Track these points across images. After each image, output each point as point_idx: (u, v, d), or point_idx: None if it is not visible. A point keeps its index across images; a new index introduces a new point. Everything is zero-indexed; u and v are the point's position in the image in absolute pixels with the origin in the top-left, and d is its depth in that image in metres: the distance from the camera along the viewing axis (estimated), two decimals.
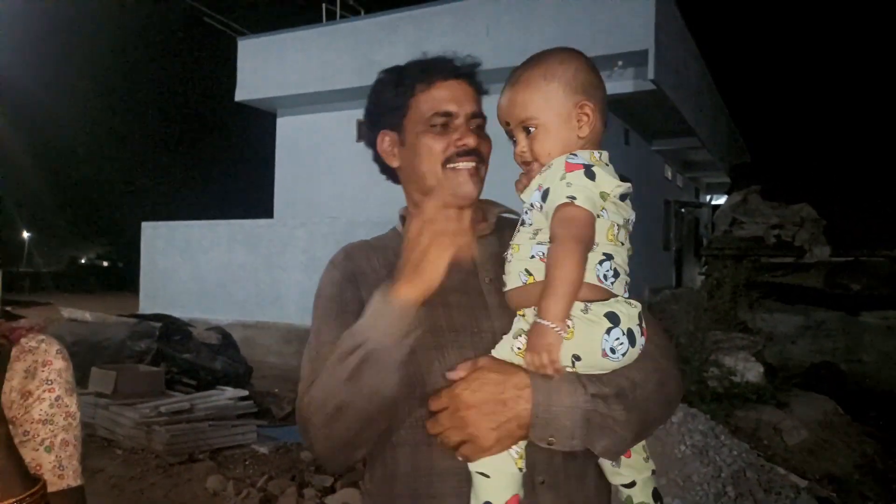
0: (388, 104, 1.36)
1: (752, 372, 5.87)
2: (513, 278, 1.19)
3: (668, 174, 15.64)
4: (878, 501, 4.56)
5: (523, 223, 1.23)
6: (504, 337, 1.19)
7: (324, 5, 12.80)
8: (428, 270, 1.13)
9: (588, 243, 1.12)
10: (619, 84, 9.60)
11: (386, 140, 1.38)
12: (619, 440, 1.11)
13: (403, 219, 1.39)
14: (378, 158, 1.43)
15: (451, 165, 1.30)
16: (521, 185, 1.26)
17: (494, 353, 1.17)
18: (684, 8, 11.07)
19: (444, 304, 1.24)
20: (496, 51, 8.98)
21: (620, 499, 1.22)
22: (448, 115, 1.31)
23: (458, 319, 1.24)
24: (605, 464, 1.19)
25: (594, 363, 1.12)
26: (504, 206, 1.45)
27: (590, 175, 1.16)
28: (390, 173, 1.43)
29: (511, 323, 1.21)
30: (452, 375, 1.15)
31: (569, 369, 1.12)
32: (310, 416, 1.14)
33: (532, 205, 1.20)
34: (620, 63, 9.35)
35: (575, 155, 1.19)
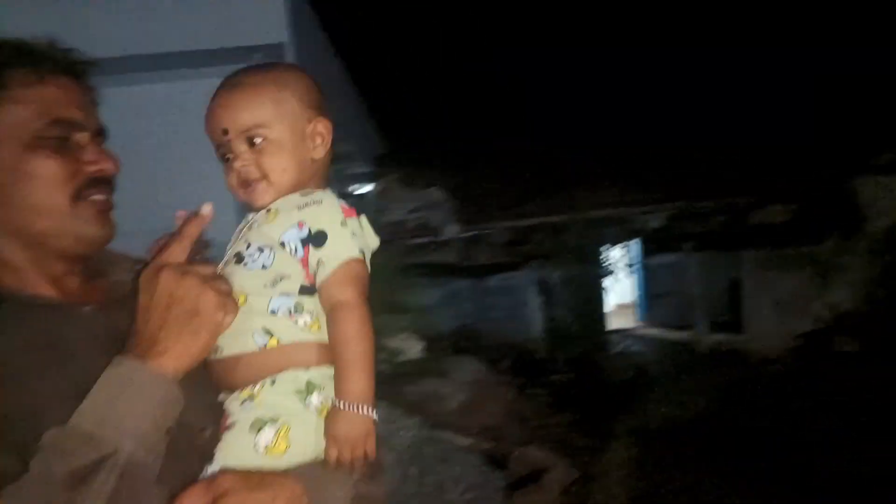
0: None
1: (413, 349, 6.34)
2: (237, 339, 0.92)
3: None
4: (523, 440, 5.35)
5: (240, 261, 0.96)
6: (228, 436, 0.90)
7: None
8: (200, 323, 0.84)
9: None
10: None
11: None
12: None
13: None
14: None
15: (94, 197, 0.95)
16: (267, 198, 0.99)
17: (224, 458, 0.88)
18: (316, 3, 11.28)
19: None
20: (108, 37, 7.96)
21: None
22: (71, 125, 0.94)
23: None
24: None
25: None
26: (124, 254, 1.07)
27: (360, 225, 1.00)
28: None
29: (205, 410, 0.93)
30: None
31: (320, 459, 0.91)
32: None
33: (283, 244, 0.94)
34: (259, 56, 9.13)
35: (339, 198, 1.00)
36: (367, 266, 0.98)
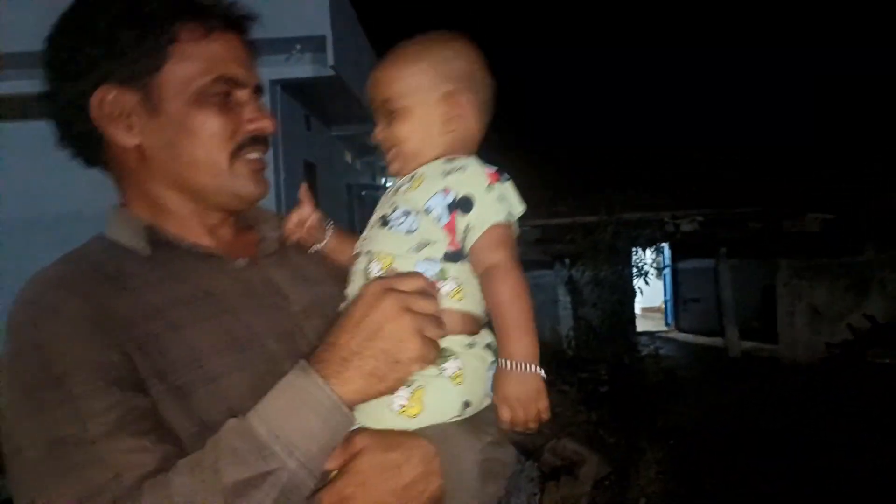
0: (122, 47, 0.89)
1: None
2: None
3: (349, 158, 16.12)
4: (555, 434, 5.36)
5: (385, 223, 0.97)
6: None
7: None
8: (393, 369, 0.82)
9: None
10: (300, 69, 9.52)
11: (111, 100, 0.91)
12: (503, 483, 0.94)
13: (149, 229, 0.94)
14: (74, 128, 0.93)
15: (250, 156, 0.97)
16: (395, 167, 1.04)
17: (362, 417, 0.88)
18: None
19: (270, 360, 0.88)
20: None
21: None
22: (234, 82, 0.94)
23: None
24: None
25: (480, 406, 0.95)
26: (268, 210, 1.10)
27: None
28: (93, 151, 0.95)
29: None
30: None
31: (455, 418, 0.92)
32: None
33: (428, 210, 0.95)
34: (299, 47, 9.27)
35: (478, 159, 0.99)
36: (514, 230, 0.97)
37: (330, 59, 8.93)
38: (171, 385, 0.82)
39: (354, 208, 17.01)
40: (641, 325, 11.52)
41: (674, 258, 11.88)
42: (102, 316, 0.83)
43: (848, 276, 8.45)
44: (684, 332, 12.10)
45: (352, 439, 0.86)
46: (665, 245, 11.40)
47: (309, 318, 0.97)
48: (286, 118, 10.05)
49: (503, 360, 0.91)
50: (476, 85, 1.05)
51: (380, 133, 1.05)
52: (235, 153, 0.95)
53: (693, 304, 11.92)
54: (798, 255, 8.96)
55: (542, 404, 0.90)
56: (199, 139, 0.93)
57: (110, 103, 0.91)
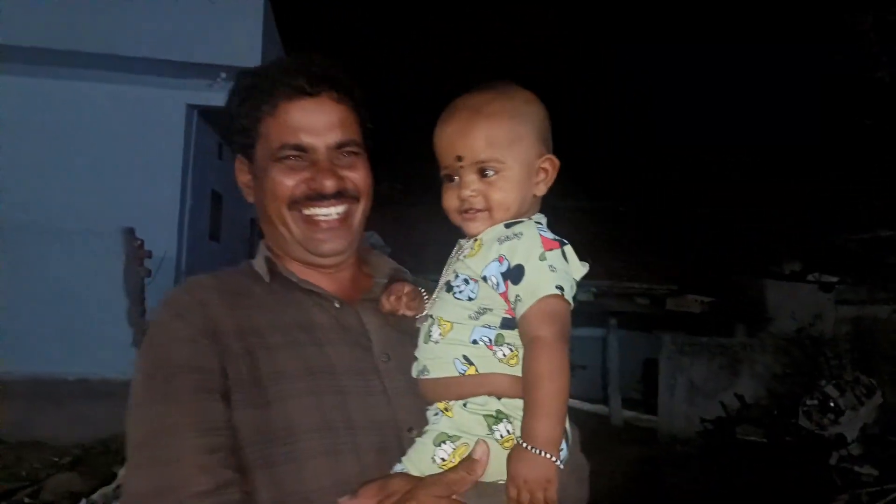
0: (237, 124, 1.09)
1: None
2: (441, 364, 0.95)
3: None
4: None
5: (450, 289, 0.98)
6: (418, 441, 0.94)
7: None
8: None
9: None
10: (221, 96, 9.30)
11: (240, 168, 1.13)
12: None
13: (269, 260, 1.10)
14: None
15: (307, 212, 1.05)
16: (477, 227, 1.00)
17: (408, 461, 0.91)
18: (283, 32, 11.40)
19: (338, 391, 0.98)
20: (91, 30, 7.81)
21: None
22: (300, 148, 1.05)
23: (355, 413, 0.96)
24: None
25: None
26: (391, 259, 1.19)
27: (564, 257, 0.95)
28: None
29: (416, 413, 0.97)
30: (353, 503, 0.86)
31: (499, 481, 0.90)
32: None
33: (486, 277, 0.94)
34: (224, 75, 9.09)
35: (541, 225, 0.99)
36: (568, 301, 0.94)
37: None
38: (255, 394, 0.96)
39: (256, 243, 16.56)
40: None
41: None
42: (215, 327, 0.99)
43: (723, 356, 9.13)
44: (570, 397, 12.51)
45: (388, 481, 0.89)
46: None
47: (386, 361, 1.05)
48: (199, 145, 9.74)
49: (520, 438, 0.89)
50: (551, 147, 1.04)
51: (471, 193, 0.99)
52: (293, 206, 1.07)
53: (580, 371, 12.40)
54: (680, 332, 9.61)
55: (551, 493, 0.87)
56: (269, 196, 1.08)
57: (240, 169, 1.14)
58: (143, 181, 8.76)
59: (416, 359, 1.01)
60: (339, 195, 1.06)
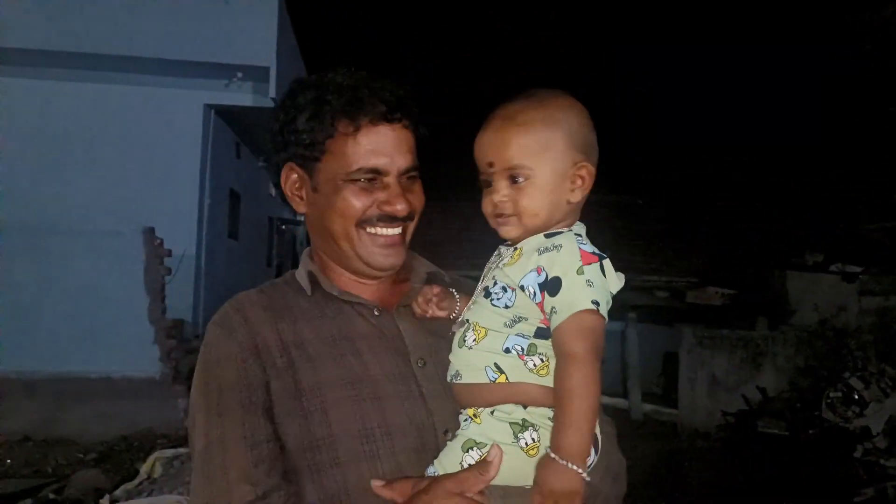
0: (300, 135, 1.10)
1: None
2: (473, 370, 0.97)
3: (272, 191, 15.88)
4: None
5: (488, 295, 0.99)
6: (449, 444, 0.98)
7: None
8: None
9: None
10: (239, 96, 9.40)
11: (293, 177, 1.15)
12: None
13: (311, 274, 1.16)
14: (280, 190, 1.18)
15: (372, 230, 1.10)
16: (512, 232, 1.02)
17: (438, 464, 0.96)
18: (298, 31, 11.44)
19: (376, 398, 1.03)
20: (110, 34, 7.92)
21: None
22: (374, 171, 1.09)
23: (393, 417, 1.02)
24: None
25: None
26: (428, 262, 1.24)
27: (602, 271, 0.95)
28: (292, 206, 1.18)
29: (453, 416, 1.01)
30: (388, 493, 0.94)
31: (527, 487, 0.93)
32: None
33: (523, 287, 0.95)
34: (240, 75, 9.16)
35: (581, 237, 1.00)
36: (603, 316, 0.94)
37: (272, 91, 8.88)
38: (298, 406, 1.03)
39: (274, 241, 16.70)
40: None
41: None
42: (259, 343, 1.07)
43: (744, 349, 9.02)
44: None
45: (421, 481, 0.95)
46: None
47: (423, 366, 1.09)
48: (217, 145, 9.83)
49: (550, 450, 0.90)
50: (593, 152, 1.04)
51: (502, 199, 1.01)
52: (361, 225, 1.10)
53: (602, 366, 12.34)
54: (700, 325, 9.51)
55: None
56: (337, 214, 1.11)
57: (292, 179, 1.15)
58: (162, 181, 8.86)
59: (450, 362, 1.04)
60: (404, 217, 1.12)
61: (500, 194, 1.02)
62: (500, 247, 1.08)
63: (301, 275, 1.18)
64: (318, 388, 1.04)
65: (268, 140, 1.18)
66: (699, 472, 7.39)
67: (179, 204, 8.87)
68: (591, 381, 0.91)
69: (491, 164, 1.02)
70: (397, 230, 1.13)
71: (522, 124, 1.00)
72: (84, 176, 8.52)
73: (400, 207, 1.10)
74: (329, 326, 1.11)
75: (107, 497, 4.67)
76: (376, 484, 0.96)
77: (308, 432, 1.01)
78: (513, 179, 1.01)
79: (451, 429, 1.02)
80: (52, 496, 4.96)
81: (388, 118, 1.09)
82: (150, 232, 6.85)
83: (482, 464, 0.92)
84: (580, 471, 0.88)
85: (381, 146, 1.09)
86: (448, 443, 0.99)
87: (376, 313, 1.13)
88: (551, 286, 0.93)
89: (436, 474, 0.96)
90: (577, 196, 1.03)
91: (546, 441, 0.93)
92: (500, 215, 1.02)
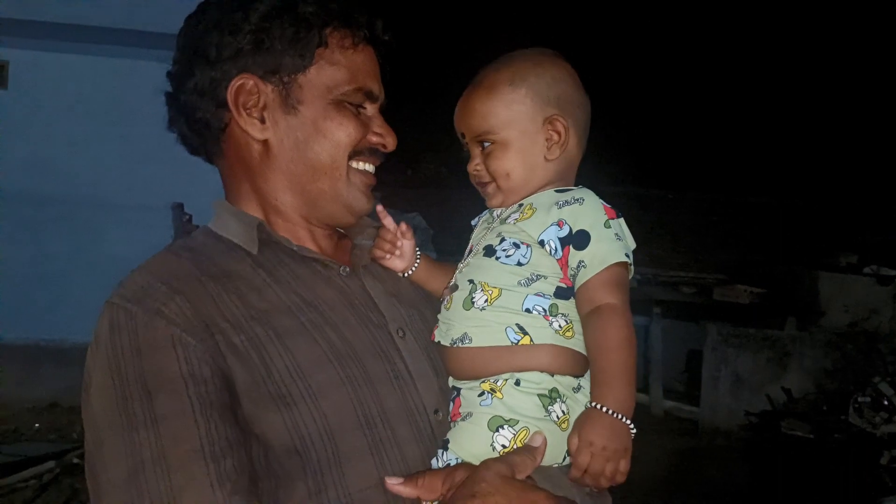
0: (271, 38, 0.89)
1: None
2: (489, 332, 0.88)
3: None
4: None
5: (491, 253, 0.92)
6: (464, 426, 0.87)
7: None
8: None
9: None
10: None
11: (250, 89, 0.90)
12: None
13: (262, 227, 0.93)
14: (197, 113, 0.92)
15: (358, 165, 0.95)
16: (497, 200, 1.00)
17: (460, 450, 0.84)
18: None
19: (367, 379, 0.86)
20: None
21: None
22: (370, 95, 0.95)
23: (388, 401, 0.86)
24: None
25: None
26: (367, 220, 1.07)
27: (621, 227, 0.93)
28: (209, 140, 0.94)
29: (438, 393, 0.90)
30: (410, 491, 0.79)
31: (557, 465, 0.88)
32: None
33: (543, 242, 0.90)
34: None
35: (591, 192, 0.94)
36: (629, 271, 0.92)
37: None
38: (273, 392, 0.82)
39: None
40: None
41: None
42: (200, 322, 0.81)
43: (770, 349, 8.87)
44: None
45: (453, 474, 0.82)
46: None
47: (404, 339, 0.94)
48: None
49: (596, 404, 0.85)
50: (574, 107, 0.99)
51: (475, 166, 0.99)
52: (353, 157, 0.95)
53: None
54: (726, 323, 9.36)
55: (625, 464, 0.84)
56: (328, 143, 0.93)
57: (248, 93, 0.91)
58: (192, 157, 8.92)
59: (446, 325, 0.94)
60: (385, 156, 1.00)
61: (473, 162, 1.00)
62: (490, 210, 1.03)
63: (234, 229, 0.94)
64: (298, 371, 0.83)
65: (184, 46, 0.92)
66: (719, 470, 7.31)
67: (208, 180, 8.92)
68: (631, 330, 0.88)
69: (463, 135, 1.00)
70: (374, 168, 0.99)
71: (486, 88, 0.98)
72: (117, 151, 8.63)
73: (391, 140, 0.97)
74: (287, 294, 0.89)
75: None
76: (392, 482, 0.81)
77: (297, 426, 0.81)
78: (482, 145, 0.98)
79: (441, 408, 0.92)
80: (76, 460, 5.09)
81: (380, 42, 0.97)
82: (179, 207, 6.93)
83: (530, 449, 0.84)
84: (631, 425, 0.84)
85: (373, 70, 0.96)
86: (460, 423, 0.89)
87: (343, 274, 0.95)
88: (578, 240, 0.89)
89: (459, 461, 0.85)
90: (556, 152, 0.98)
91: (575, 412, 0.88)
92: (479, 184, 1.00)
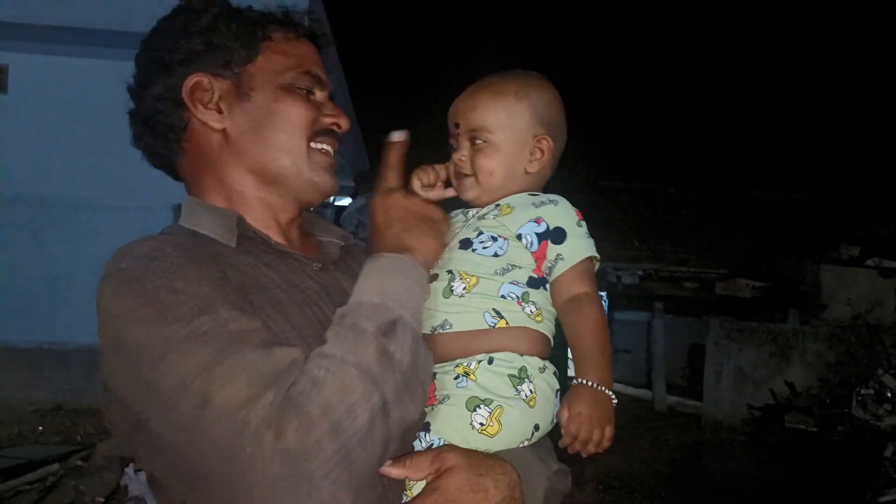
0: (219, 38, 0.96)
1: None
2: (467, 317, 0.97)
3: None
4: None
5: (467, 246, 1.01)
6: (443, 409, 0.93)
7: None
8: (434, 227, 0.94)
9: None
10: None
11: (204, 85, 0.96)
12: None
13: (241, 220, 0.97)
14: (160, 118, 0.96)
15: (317, 146, 1.00)
16: (471, 194, 1.09)
17: (442, 432, 0.91)
18: (328, 4, 11.38)
19: None
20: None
21: None
22: (318, 80, 1.02)
23: None
24: None
25: (546, 430, 1.00)
26: (328, 220, 1.14)
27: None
28: (172, 143, 0.98)
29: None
30: (399, 473, 0.84)
31: (526, 442, 0.96)
32: (316, 446, 0.72)
33: (521, 235, 1.01)
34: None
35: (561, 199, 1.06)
36: (597, 264, 1.05)
37: None
38: None
39: None
40: (572, 371, 11.67)
41: (611, 308, 12.18)
42: (220, 276, 0.86)
43: (773, 343, 8.86)
44: (614, 381, 12.35)
45: (442, 454, 0.88)
46: (603, 294, 11.69)
47: None
48: None
49: (581, 379, 0.95)
50: (558, 132, 1.11)
51: (461, 157, 1.08)
52: (312, 138, 1.00)
53: (624, 355, 12.22)
54: (728, 317, 9.35)
55: (609, 430, 0.94)
56: (284, 123, 0.98)
57: (203, 89, 0.97)
58: None
59: (426, 314, 0.99)
60: (340, 137, 1.06)
61: (460, 153, 1.08)
62: (463, 210, 1.11)
63: (209, 224, 0.97)
64: (299, 337, 0.88)
65: (142, 61, 1.00)
66: (722, 464, 7.31)
67: None
68: (604, 316, 1.01)
69: (457, 125, 1.08)
70: (335, 148, 1.05)
71: (493, 92, 1.08)
72: (117, 153, 8.60)
73: (344, 121, 1.03)
74: (276, 276, 0.94)
75: (131, 466, 4.77)
76: (387, 467, 0.85)
77: None
78: (473, 141, 1.07)
79: None
80: (79, 463, 5.09)
81: (320, 40, 1.07)
82: (179, 209, 6.92)
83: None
84: (613, 397, 0.95)
85: (316, 60, 1.05)
86: (439, 406, 0.94)
87: (316, 268, 1.01)
88: (555, 235, 1.00)
89: (441, 442, 0.92)
90: (535, 167, 1.09)
91: (541, 391, 0.96)
92: (458, 174, 1.08)
